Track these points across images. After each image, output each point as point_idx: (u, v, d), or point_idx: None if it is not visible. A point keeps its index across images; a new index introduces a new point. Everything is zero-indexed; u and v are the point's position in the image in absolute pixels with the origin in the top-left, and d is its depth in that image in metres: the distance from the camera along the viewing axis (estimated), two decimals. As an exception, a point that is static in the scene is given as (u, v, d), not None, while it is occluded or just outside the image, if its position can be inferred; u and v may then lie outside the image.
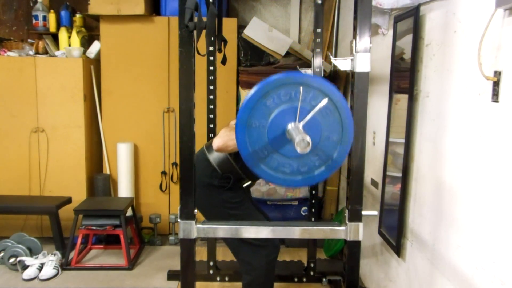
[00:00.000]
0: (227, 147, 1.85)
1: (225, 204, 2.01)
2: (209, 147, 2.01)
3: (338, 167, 1.33)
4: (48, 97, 3.36)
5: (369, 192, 2.61)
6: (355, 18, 1.38)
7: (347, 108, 1.28)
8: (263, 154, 1.29)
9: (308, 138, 1.17)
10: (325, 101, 1.24)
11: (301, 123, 1.24)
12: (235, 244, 2.07)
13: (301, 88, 1.24)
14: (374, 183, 2.52)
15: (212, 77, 2.55)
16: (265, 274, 2.05)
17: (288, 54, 3.49)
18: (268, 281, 2.10)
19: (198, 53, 1.46)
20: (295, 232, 1.49)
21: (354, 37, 1.37)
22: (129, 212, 3.24)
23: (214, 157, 1.97)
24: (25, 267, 2.89)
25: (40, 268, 2.87)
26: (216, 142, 1.86)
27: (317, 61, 2.53)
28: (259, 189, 3.41)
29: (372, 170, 2.57)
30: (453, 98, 1.59)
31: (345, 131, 1.29)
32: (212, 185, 1.99)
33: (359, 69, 1.36)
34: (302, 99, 1.24)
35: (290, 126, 1.25)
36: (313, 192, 2.70)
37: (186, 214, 1.45)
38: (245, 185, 2.01)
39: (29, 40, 3.68)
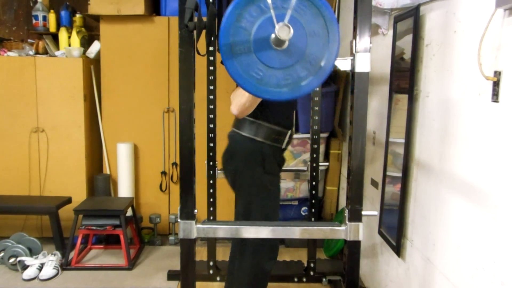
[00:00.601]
0: (243, 106, 1.78)
1: (265, 188, 1.99)
2: (236, 123, 2.00)
3: (326, 75, 1.27)
4: (48, 97, 3.36)
5: (369, 192, 2.61)
6: (355, 18, 1.38)
7: (325, 3, 1.23)
8: (259, 75, 1.25)
9: (289, 25, 1.15)
10: None
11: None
12: (235, 239, 2.05)
13: None
14: (374, 183, 2.52)
15: (212, 77, 2.55)
16: (254, 277, 1.97)
17: (288, 54, 3.48)
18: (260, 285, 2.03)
19: (198, 53, 1.46)
20: (295, 232, 1.49)
21: (354, 37, 1.37)
22: (129, 212, 3.24)
23: (247, 131, 1.96)
24: (25, 267, 2.89)
25: (40, 268, 2.87)
26: (233, 108, 1.81)
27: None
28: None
29: (372, 170, 2.57)
30: (453, 98, 1.59)
31: (330, 29, 1.23)
32: (256, 163, 1.96)
33: (359, 69, 1.36)
34: (273, 6, 1.20)
35: (273, 34, 1.21)
36: (313, 192, 2.70)
37: (186, 214, 1.45)
38: (288, 135, 2.02)
39: (29, 40, 3.68)
